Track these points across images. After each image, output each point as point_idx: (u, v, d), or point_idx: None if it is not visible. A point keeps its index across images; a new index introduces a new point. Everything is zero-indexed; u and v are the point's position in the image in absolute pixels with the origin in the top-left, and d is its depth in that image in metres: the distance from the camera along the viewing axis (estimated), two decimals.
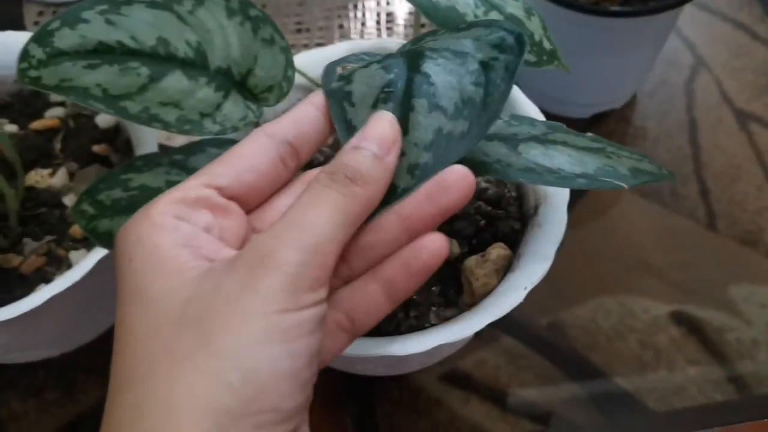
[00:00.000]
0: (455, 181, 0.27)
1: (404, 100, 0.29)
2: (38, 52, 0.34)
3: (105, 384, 0.49)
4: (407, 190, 0.27)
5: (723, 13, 0.72)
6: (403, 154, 0.28)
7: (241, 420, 0.22)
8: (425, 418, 0.49)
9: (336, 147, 0.47)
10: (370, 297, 0.28)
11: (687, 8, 0.71)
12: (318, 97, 0.30)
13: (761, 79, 0.67)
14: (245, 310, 0.22)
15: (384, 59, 0.32)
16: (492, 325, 0.51)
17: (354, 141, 0.27)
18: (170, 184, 0.39)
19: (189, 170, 0.40)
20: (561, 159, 0.32)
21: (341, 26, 0.70)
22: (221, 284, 0.23)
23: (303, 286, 0.23)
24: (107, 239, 0.38)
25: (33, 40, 0.34)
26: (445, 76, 0.29)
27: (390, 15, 0.71)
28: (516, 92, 0.45)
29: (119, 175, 0.40)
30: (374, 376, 0.50)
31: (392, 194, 0.27)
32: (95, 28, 0.35)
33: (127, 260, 0.25)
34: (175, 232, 0.25)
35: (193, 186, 0.26)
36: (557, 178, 0.31)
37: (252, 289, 0.23)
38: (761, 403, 0.50)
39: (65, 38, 0.34)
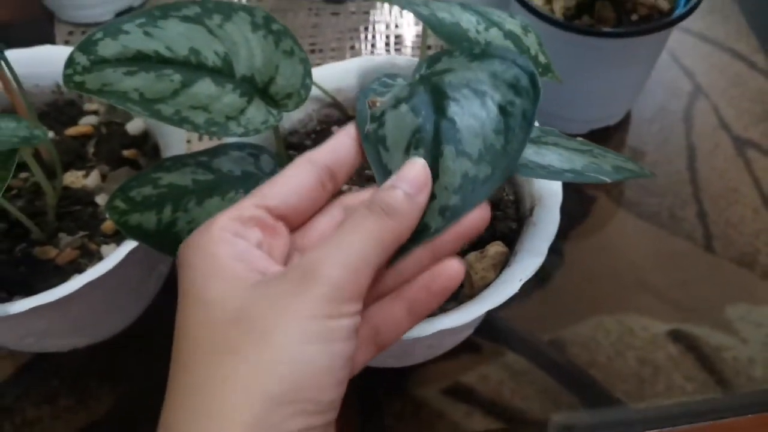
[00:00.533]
0: (476, 211, 0.31)
1: (434, 146, 0.32)
2: (83, 60, 0.38)
3: (117, 391, 0.53)
4: (438, 230, 0.31)
5: (721, 44, 0.76)
6: (434, 197, 0.31)
7: (287, 406, 0.25)
8: (428, 430, 0.51)
9: (362, 170, 0.50)
10: (395, 315, 0.32)
11: (687, 38, 0.75)
12: (352, 129, 0.34)
13: (758, 106, 0.70)
14: (292, 314, 0.26)
15: (410, 96, 0.34)
16: (495, 341, 0.54)
17: (390, 181, 0.31)
18: (196, 183, 0.43)
19: (213, 170, 0.44)
20: (552, 157, 0.35)
21: (353, 47, 0.74)
22: (273, 292, 0.27)
23: (340, 298, 0.27)
24: (137, 232, 0.42)
25: (78, 48, 0.38)
26: (468, 120, 0.32)
27: (398, 37, 0.75)
28: None
29: (150, 174, 0.44)
30: (379, 388, 0.53)
31: (425, 233, 0.31)
32: (135, 39, 0.39)
33: (188, 267, 0.29)
34: (232, 246, 0.29)
35: (247, 206, 0.30)
36: (547, 172, 0.34)
37: (299, 297, 0.27)
38: (744, 401, 0.52)
39: (107, 47, 0.38)
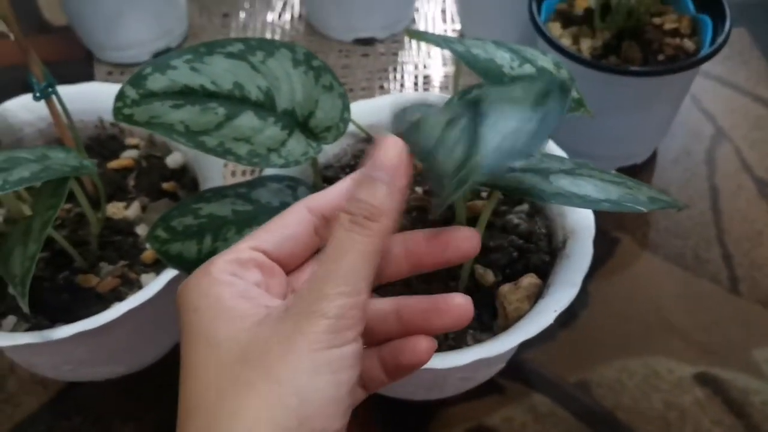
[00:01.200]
0: (465, 237, 0.31)
1: (471, 125, 0.31)
2: (132, 93, 0.40)
3: (141, 430, 0.51)
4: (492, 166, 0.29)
5: (741, 88, 0.76)
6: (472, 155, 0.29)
7: None
8: None
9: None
10: (374, 369, 0.32)
11: (707, 83, 0.76)
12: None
13: None
14: (298, 349, 0.27)
15: (446, 109, 0.34)
16: (519, 383, 0.54)
17: (368, 170, 0.29)
18: (236, 213, 0.44)
19: (252, 201, 0.45)
20: (587, 187, 0.36)
21: (381, 87, 0.76)
22: (277, 329, 0.28)
23: (342, 326, 0.28)
24: (178, 261, 0.43)
25: (129, 82, 0.40)
26: (504, 109, 0.32)
27: (426, 77, 0.77)
28: None
29: (190, 204, 0.45)
30: (406, 424, 0.52)
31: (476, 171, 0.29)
32: (182, 74, 0.40)
33: (193, 310, 0.29)
34: (233, 286, 0.29)
35: (243, 249, 0.31)
36: (584, 201, 0.35)
37: (303, 331, 0.27)
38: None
39: (156, 82, 0.40)
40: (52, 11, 0.85)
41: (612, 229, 0.64)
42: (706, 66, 0.75)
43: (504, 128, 0.30)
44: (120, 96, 0.39)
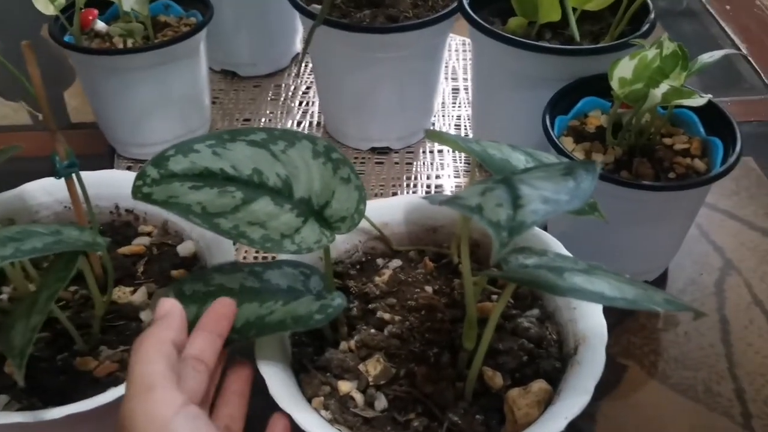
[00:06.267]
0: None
1: (508, 192, 0.34)
2: (153, 173, 0.41)
3: None
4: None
5: (750, 222, 0.77)
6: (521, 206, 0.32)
7: None
8: None
9: (405, 301, 0.51)
10: None
11: (715, 215, 0.77)
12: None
13: None
14: None
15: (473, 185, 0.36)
16: None
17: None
18: (242, 288, 0.44)
19: (262, 280, 0.45)
20: (602, 285, 0.36)
21: (395, 194, 0.77)
22: None
23: None
24: None
25: (151, 162, 0.41)
26: (536, 182, 0.34)
27: (438, 187, 0.79)
28: (550, 239, 0.50)
29: (206, 273, 0.45)
30: None
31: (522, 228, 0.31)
32: (203, 157, 0.41)
33: None
34: None
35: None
36: (599, 297, 0.34)
37: None
38: None
39: (178, 163, 0.41)
40: (79, 110, 0.88)
41: (619, 356, 0.62)
42: (714, 199, 0.76)
43: (543, 190, 0.32)
44: (141, 175, 0.40)
